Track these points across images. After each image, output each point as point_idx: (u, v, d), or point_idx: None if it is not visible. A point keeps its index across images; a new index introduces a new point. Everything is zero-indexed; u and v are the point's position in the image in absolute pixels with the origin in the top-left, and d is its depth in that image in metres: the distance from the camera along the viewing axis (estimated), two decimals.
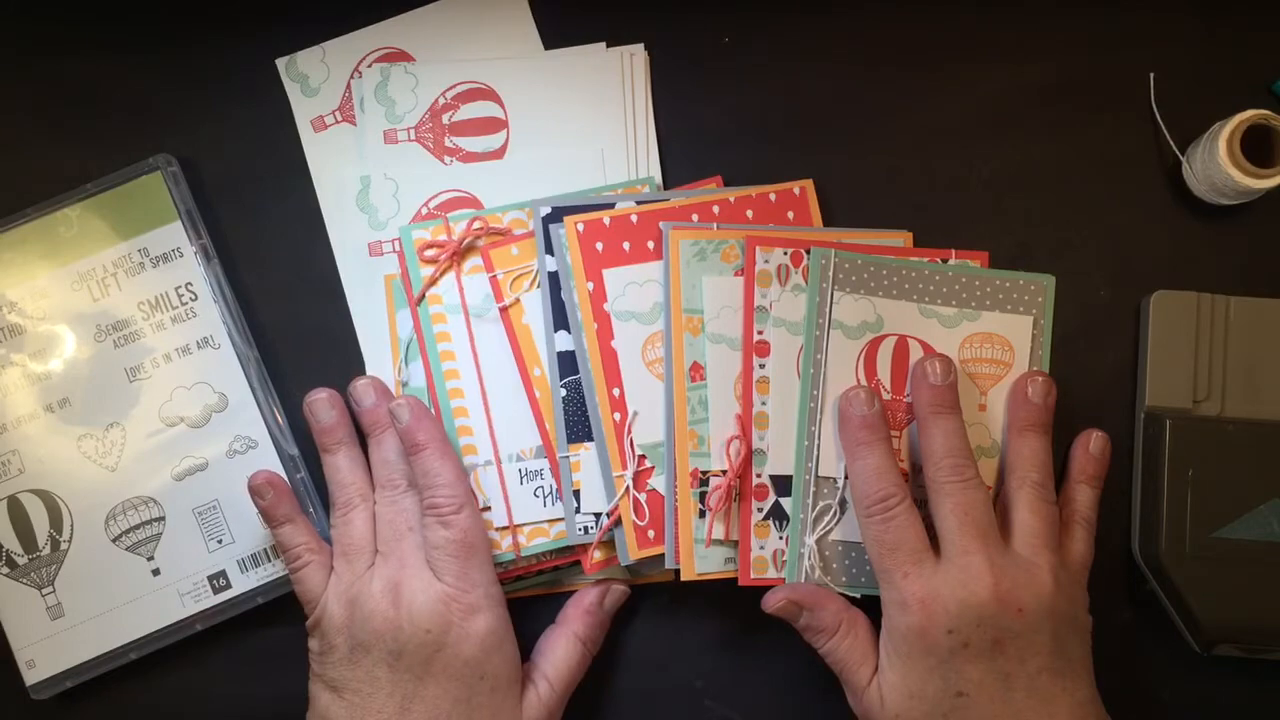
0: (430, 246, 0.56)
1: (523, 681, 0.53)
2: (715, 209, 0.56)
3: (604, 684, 0.57)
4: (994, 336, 0.55)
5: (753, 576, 0.53)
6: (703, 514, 0.53)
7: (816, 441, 0.54)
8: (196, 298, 0.57)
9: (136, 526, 0.56)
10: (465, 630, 0.50)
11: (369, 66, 0.60)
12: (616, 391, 0.54)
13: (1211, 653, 0.54)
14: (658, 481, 0.54)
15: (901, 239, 0.57)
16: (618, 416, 0.54)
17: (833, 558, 0.53)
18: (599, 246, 0.55)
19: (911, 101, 0.60)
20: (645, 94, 0.59)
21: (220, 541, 0.56)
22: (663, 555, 0.53)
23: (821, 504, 0.53)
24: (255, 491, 0.54)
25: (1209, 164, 0.56)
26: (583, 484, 0.54)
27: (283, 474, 0.56)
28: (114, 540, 0.56)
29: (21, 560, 0.56)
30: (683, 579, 0.53)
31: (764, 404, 0.54)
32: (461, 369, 0.56)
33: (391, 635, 0.50)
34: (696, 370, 0.54)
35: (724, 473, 0.53)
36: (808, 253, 0.55)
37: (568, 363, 0.55)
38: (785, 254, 0.55)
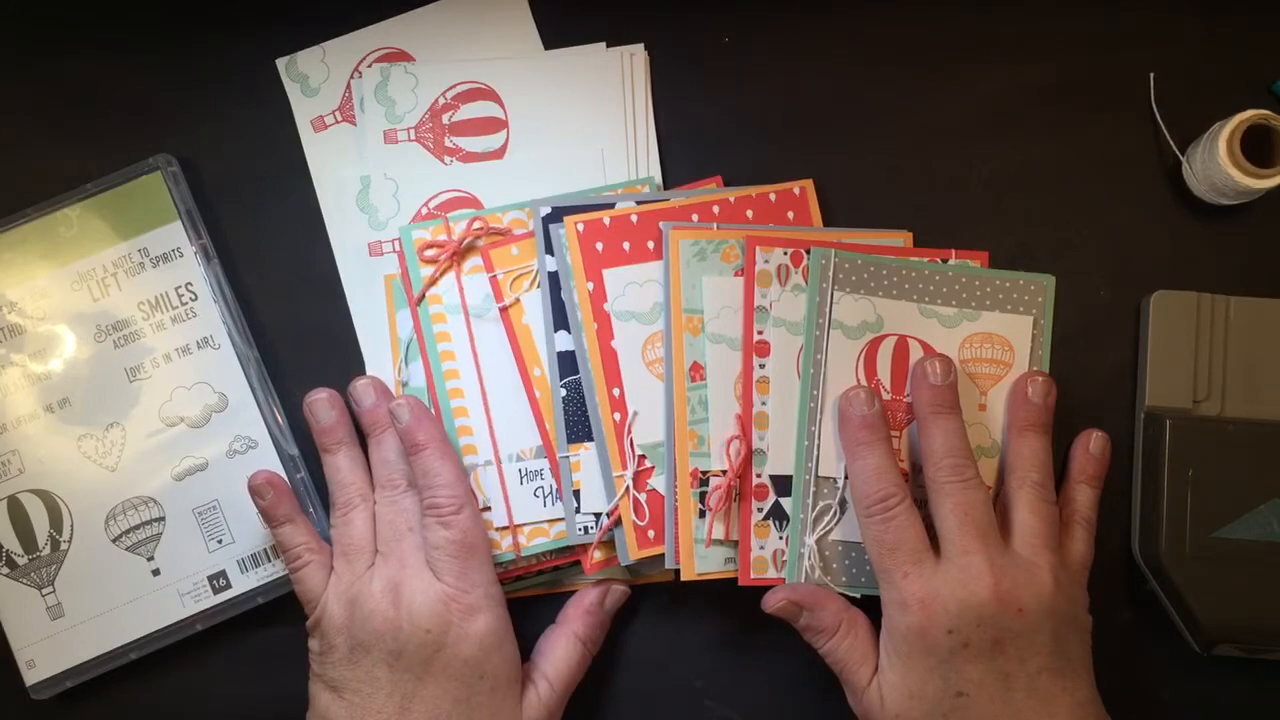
0: (430, 246, 0.56)
1: (523, 681, 0.53)
2: (715, 209, 0.56)
3: (604, 684, 0.57)
4: (994, 336, 0.55)
5: (753, 576, 0.53)
6: (703, 514, 0.53)
7: (816, 441, 0.54)
8: (196, 298, 0.57)
9: (136, 526, 0.56)
10: (465, 630, 0.50)
11: (369, 66, 0.60)
12: (616, 391, 0.54)
13: (1211, 653, 0.54)
14: (658, 481, 0.54)
15: (901, 239, 0.57)
16: (618, 416, 0.54)
17: (833, 558, 0.53)
18: (599, 246, 0.55)
19: (911, 101, 0.60)
20: (645, 94, 0.59)
21: (220, 541, 0.56)
22: (663, 555, 0.53)
23: (821, 504, 0.53)
24: (255, 491, 0.54)
25: (1209, 164, 0.56)
26: (583, 484, 0.54)
27: (283, 474, 0.56)
28: (114, 540, 0.56)
29: (21, 560, 0.56)
30: (683, 579, 0.53)
31: (764, 404, 0.54)
32: (461, 369, 0.56)
33: (391, 635, 0.50)
34: (696, 370, 0.54)
35: (724, 473, 0.53)
36: (808, 253, 0.55)
37: (568, 363, 0.55)
38: (785, 254, 0.55)
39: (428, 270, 0.56)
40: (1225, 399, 0.56)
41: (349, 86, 0.60)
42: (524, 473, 0.56)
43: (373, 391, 0.55)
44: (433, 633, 0.50)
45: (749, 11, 0.60)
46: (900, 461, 0.54)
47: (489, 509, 0.55)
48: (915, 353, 0.55)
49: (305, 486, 0.56)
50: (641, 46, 0.60)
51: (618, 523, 0.54)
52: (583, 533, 0.54)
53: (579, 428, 0.55)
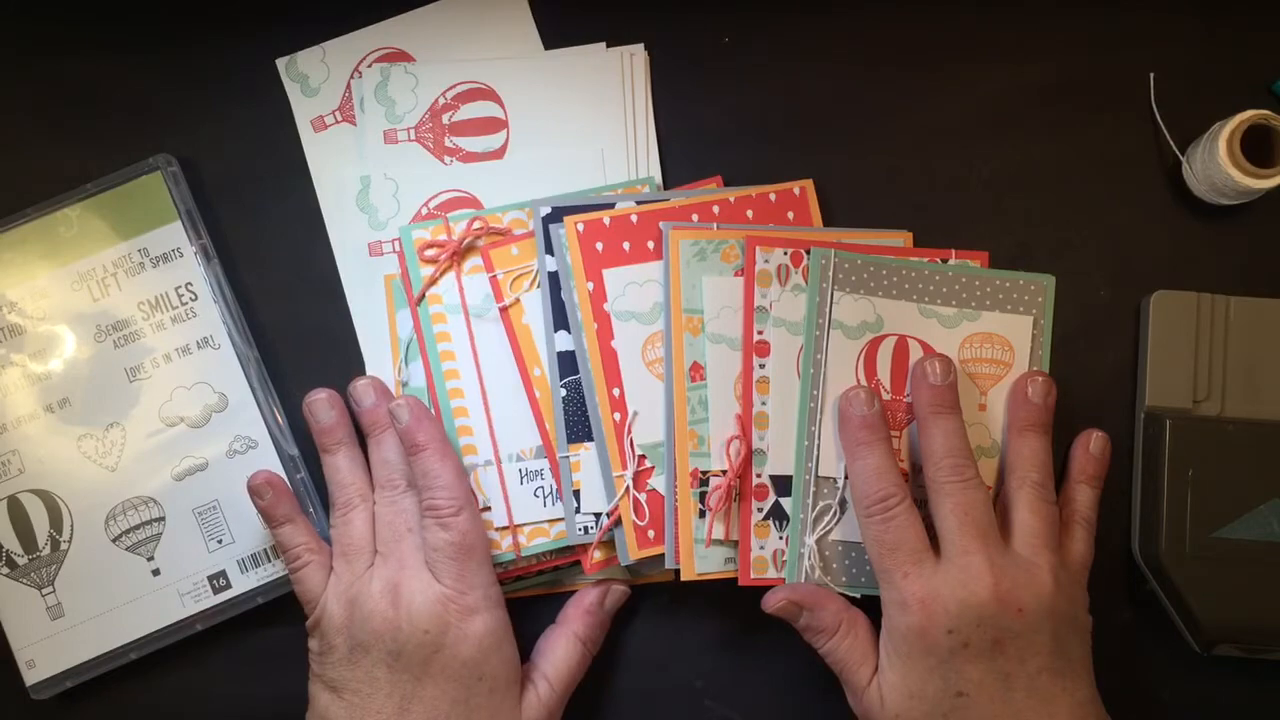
0: (430, 246, 0.56)
1: (522, 682, 0.53)
2: (715, 209, 0.56)
3: (604, 684, 0.57)
4: (994, 336, 0.55)
5: (753, 576, 0.53)
6: (703, 514, 0.53)
7: (816, 441, 0.54)
8: (196, 298, 0.57)
9: (136, 526, 0.56)
10: (463, 631, 0.50)
11: (369, 66, 0.60)
12: (616, 391, 0.54)
13: (1211, 653, 0.54)
14: (658, 481, 0.54)
15: (901, 239, 0.57)
16: (618, 416, 0.54)
17: (833, 558, 0.53)
18: (599, 246, 0.55)
19: (911, 101, 0.60)
20: (645, 94, 0.59)
21: (220, 541, 0.56)
22: (663, 555, 0.53)
23: (821, 504, 0.53)
24: (254, 491, 0.54)
25: (1209, 164, 0.56)
26: (583, 484, 0.54)
27: (283, 474, 0.56)
28: (114, 540, 0.56)
29: (21, 560, 0.56)
30: (683, 579, 0.53)
31: (764, 404, 0.54)
32: (461, 369, 0.56)
33: (390, 635, 0.50)
34: (696, 370, 0.54)
35: (724, 473, 0.53)
36: (808, 253, 0.55)
37: (568, 363, 0.55)
38: (785, 254, 0.55)
39: (428, 270, 0.56)
40: (1225, 399, 0.56)
41: (349, 86, 0.60)
42: (524, 473, 0.55)
43: (372, 391, 0.55)
44: (431, 633, 0.50)
45: (749, 11, 0.60)
46: (900, 461, 0.54)
47: (489, 509, 0.55)
48: (915, 353, 0.55)
49: (305, 486, 0.56)
50: (641, 46, 0.60)
51: (618, 523, 0.54)
52: (583, 533, 0.54)
53: (579, 428, 0.55)
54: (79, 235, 0.57)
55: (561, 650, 0.54)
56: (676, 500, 0.53)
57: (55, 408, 0.56)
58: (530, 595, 0.57)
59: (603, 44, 0.60)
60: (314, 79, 0.60)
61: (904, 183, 0.59)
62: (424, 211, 0.59)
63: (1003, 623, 0.48)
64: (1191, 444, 0.54)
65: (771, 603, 0.52)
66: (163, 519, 0.56)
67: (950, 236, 0.58)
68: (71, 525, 0.56)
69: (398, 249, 0.58)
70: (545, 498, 0.55)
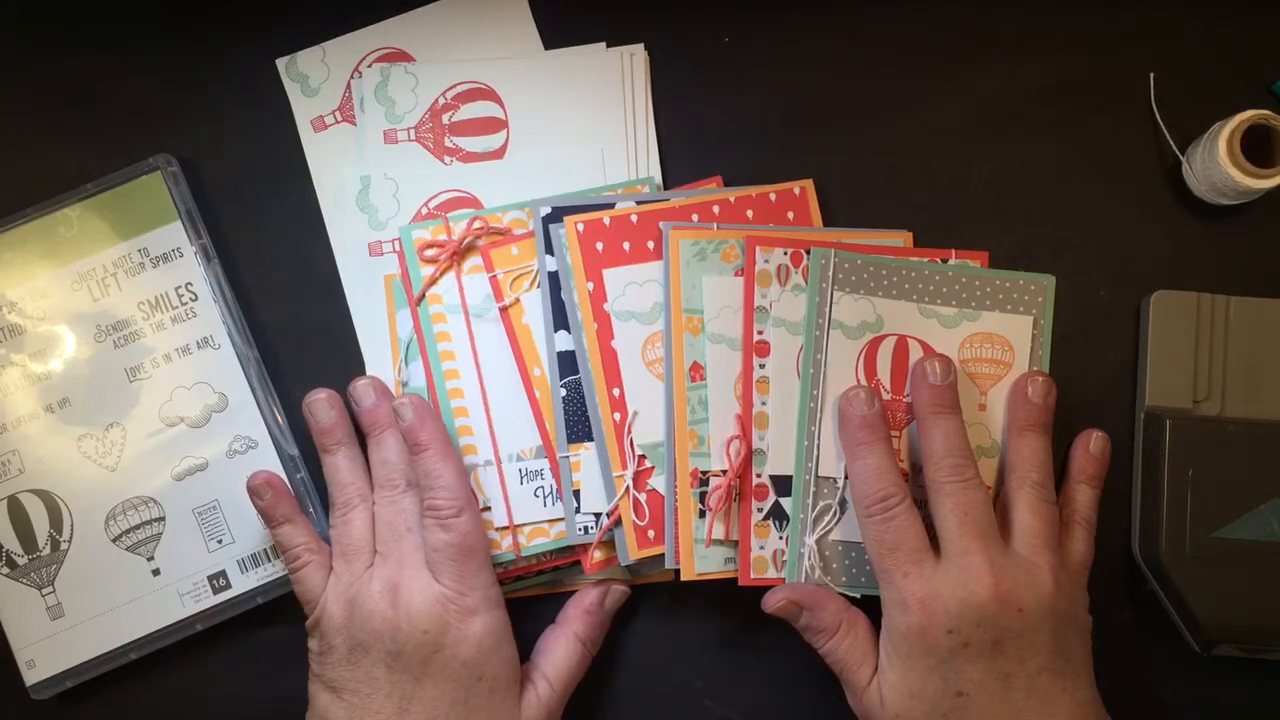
0: (430, 246, 0.56)
1: (522, 682, 0.53)
2: (715, 209, 0.56)
3: (604, 684, 0.57)
4: (994, 336, 0.55)
5: (753, 576, 0.53)
6: (703, 514, 0.53)
7: (816, 441, 0.54)
8: (196, 298, 0.57)
9: (136, 526, 0.56)
10: (463, 632, 0.50)
11: (369, 66, 0.60)
12: (616, 391, 0.54)
13: (1211, 653, 0.54)
14: (658, 481, 0.54)
15: (901, 239, 0.57)
16: (618, 416, 0.54)
17: (833, 558, 0.53)
18: (599, 246, 0.55)
19: (911, 101, 0.60)
20: (645, 94, 0.59)
21: (220, 541, 0.56)
22: (663, 555, 0.53)
23: (821, 504, 0.53)
24: (254, 492, 0.54)
25: (1209, 164, 0.56)
26: (583, 484, 0.54)
27: (283, 474, 0.56)
28: (114, 540, 0.56)
29: (21, 560, 0.56)
30: (683, 579, 0.53)
31: (764, 404, 0.54)
32: (461, 369, 0.56)
33: (390, 636, 0.50)
34: (696, 370, 0.54)
35: (724, 473, 0.53)
36: (808, 253, 0.55)
37: (568, 363, 0.55)
38: (785, 254, 0.55)
39: (428, 270, 0.56)
40: (1225, 399, 0.56)
41: (349, 86, 0.60)
42: (524, 473, 0.55)
43: (372, 391, 0.55)
44: (430, 634, 0.50)
45: (749, 11, 0.60)
46: (900, 461, 0.54)
47: (489, 509, 0.55)
48: (915, 353, 0.55)
49: (305, 486, 0.56)
50: (641, 46, 0.60)
51: (618, 523, 0.54)
52: (583, 533, 0.54)
53: (579, 428, 0.55)
54: (79, 235, 0.57)
55: (561, 650, 0.54)
56: (676, 500, 0.53)
57: (55, 408, 0.56)
58: (530, 595, 0.57)
59: (603, 44, 0.60)
60: (314, 79, 0.60)
61: (904, 183, 0.59)
62: (424, 211, 0.59)
63: (1003, 623, 0.48)
64: (1191, 444, 0.54)
65: (771, 603, 0.52)
66: (163, 519, 0.56)
67: (950, 236, 0.58)
68: (71, 525, 0.56)
69: (398, 249, 0.58)
70: (545, 498, 0.55)
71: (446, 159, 0.59)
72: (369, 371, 0.58)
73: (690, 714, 0.57)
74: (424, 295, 0.56)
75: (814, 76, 0.60)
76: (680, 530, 0.53)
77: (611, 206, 0.56)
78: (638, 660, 0.58)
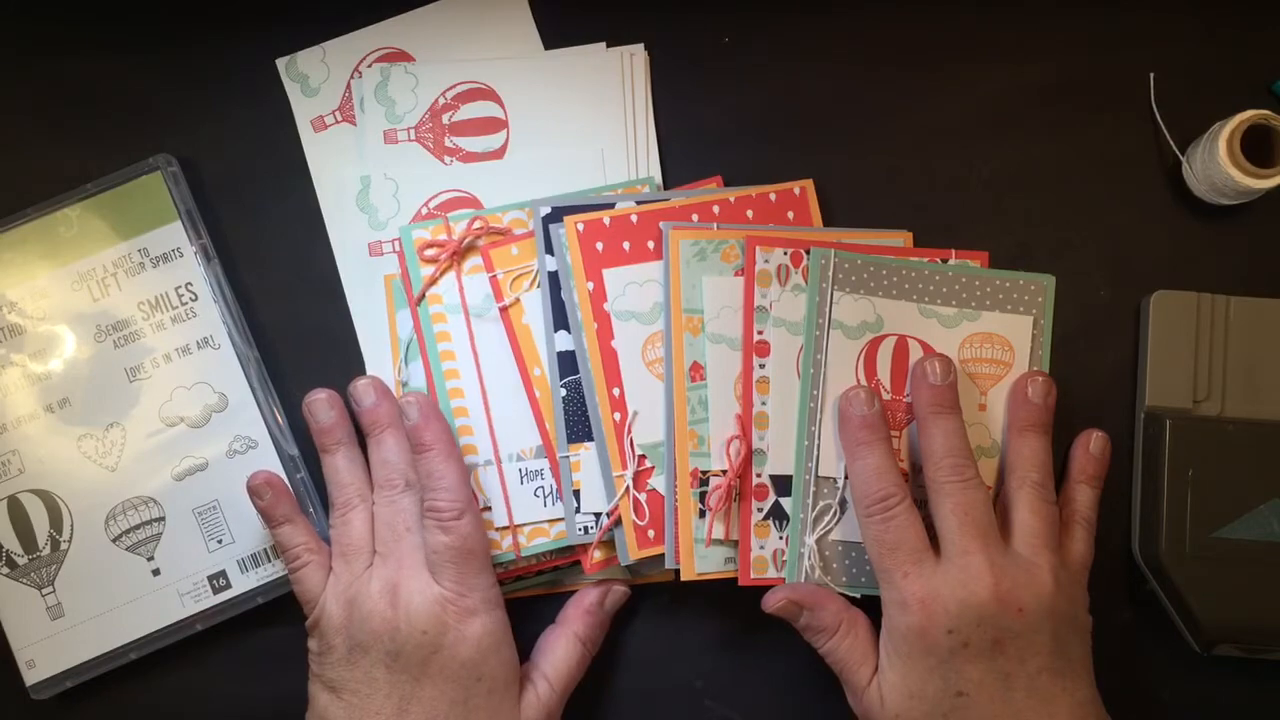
0: (430, 246, 0.56)
1: (522, 682, 0.53)
2: (715, 209, 0.56)
3: (604, 684, 0.57)
4: (994, 336, 0.55)
5: (753, 576, 0.53)
6: (703, 514, 0.53)
7: (816, 441, 0.54)
8: (196, 298, 0.57)
9: (136, 526, 0.56)
10: (462, 633, 0.50)
11: (369, 66, 0.60)
12: (616, 391, 0.54)
13: (1211, 653, 0.54)
14: (658, 481, 0.54)
15: (901, 239, 0.57)
16: (618, 416, 0.54)
17: (833, 558, 0.53)
18: (599, 246, 0.55)
19: (911, 101, 0.60)
20: (645, 94, 0.59)
21: (220, 541, 0.56)
22: (663, 555, 0.53)
23: (821, 504, 0.53)
24: (254, 492, 0.54)
25: (1209, 164, 0.56)
26: (583, 484, 0.54)
27: (283, 474, 0.56)
28: (114, 540, 0.56)
29: (21, 560, 0.56)
30: (683, 579, 0.53)
31: (764, 404, 0.54)
32: (461, 369, 0.56)
33: (389, 636, 0.50)
34: (696, 370, 0.54)
35: (724, 473, 0.53)
36: (808, 253, 0.55)
37: (568, 363, 0.55)
38: (785, 254, 0.55)
39: (428, 270, 0.56)
40: (1225, 399, 0.56)
41: (349, 86, 0.60)
42: (524, 473, 0.56)
43: (373, 391, 0.55)
44: (430, 634, 0.49)
45: (749, 11, 0.60)
46: (900, 461, 0.54)
47: (489, 509, 0.55)
48: (915, 353, 0.55)
49: (305, 486, 0.56)
50: (641, 46, 0.60)
51: (618, 523, 0.54)
52: (583, 533, 0.54)
53: (579, 428, 0.55)
54: (79, 235, 0.57)
55: (561, 650, 0.54)
56: (676, 500, 0.53)
57: (55, 408, 0.56)
58: (530, 595, 0.57)
59: (603, 44, 0.60)
60: (314, 79, 0.60)
61: (904, 183, 0.59)
62: (424, 211, 0.59)
63: (1003, 623, 0.48)
64: (1191, 444, 0.54)
65: (771, 602, 0.52)
66: (163, 519, 0.56)
67: (950, 236, 0.58)
68: (71, 525, 0.56)
69: (398, 249, 0.58)
70: (545, 498, 0.55)
71: (446, 159, 0.59)
72: (369, 371, 0.58)
73: (690, 714, 0.57)
74: (424, 295, 0.56)
75: (814, 76, 0.60)
76: (680, 530, 0.53)
77: (611, 206, 0.56)
78: (638, 660, 0.58)
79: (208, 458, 0.56)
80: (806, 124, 0.60)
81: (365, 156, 0.59)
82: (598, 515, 0.54)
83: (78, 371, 0.57)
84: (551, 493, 0.55)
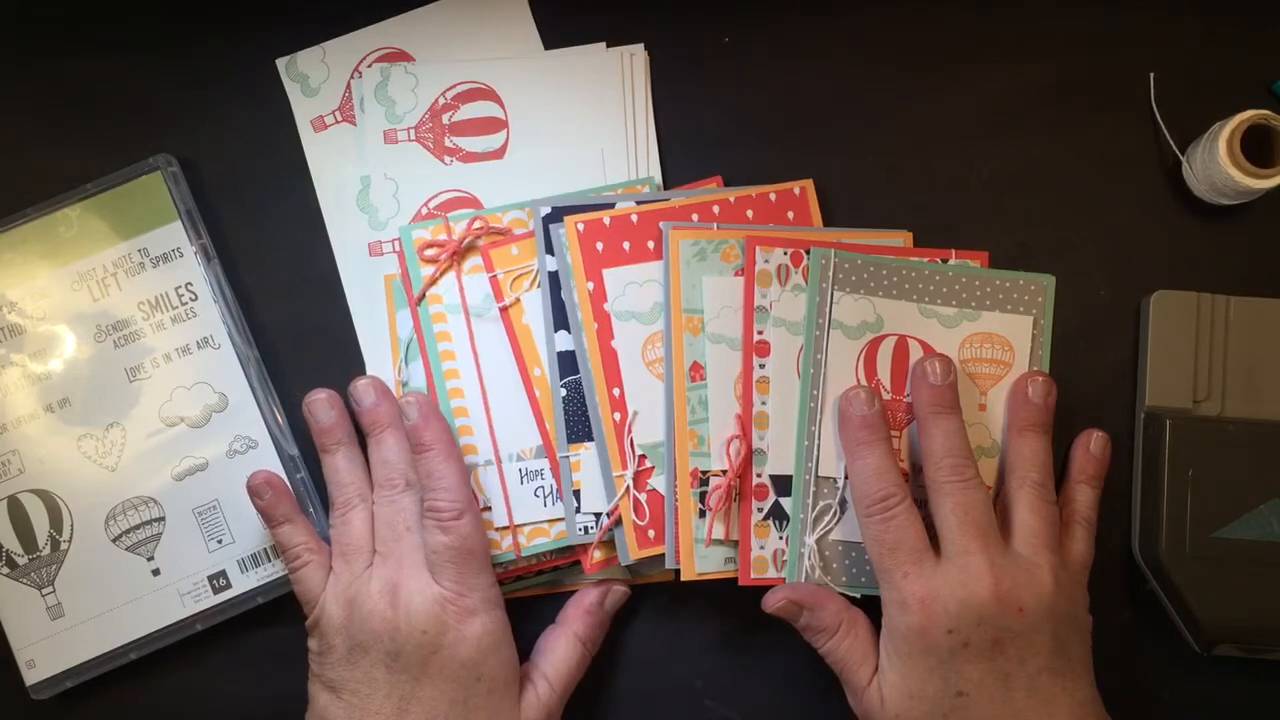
0: (430, 246, 0.56)
1: (522, 682, 0.53)
2: (715, 209, 0.56)
3: (604, 684, 0.57)
4: (994, 336, 0.55)
5: (753, 576, 0.53)
6: (703, 514, 0.53)
7: (816, 441, 0.54)
8: (196, 298, 0.57)
9: (136, 526, 0.56)
10: (462, 633, 0.50)
11: (369, 66, 0.60)
12: (616, 391, 0.54)
13: (1211, 653, 0.54)
14: (658, 481, 0.54)
15: (901, 239, 0.57)
16: (618, 416, 0.54)
17: (833, 558, 0.53)
18: (599, 246, 0.55)
19: (911, 101, 0.60)
20: (645, 94, 0.59)
21: (220, 541, 0.56)
22: (663, 555, 0.53)
23: (821, 504, 0.53)
24: (254, 491, 0.54)
25: (1209, 164, 0.56)
26: (583, 484, 0.54)
27: (283, 474, 0.56)
28: (114, 540, 0.56)
29: (21, 560, 0.56)
30: (683, 579, 0.53)
31: (764, 404, 0.54)
32: (461, 369, 0.56)
33: (389, 636, 0.50)
34: (696, 370, 0.54)
35: (724, 473, 0.53)
36: (808, 253, 0.55)
37: (568, 363, 0.55)
38: (785, 254, 0.55)
39: (428, 270, 0.56)
40: (1225, 399, 0.56)
41: (349, 86, 0.60)
42: (524, 472, 0.56)
43: (373, 391, 0.55)
44: (430, 634, 0.49)
45: (749, 11, 0.60)
46: (900, 461, 0.54)
47: (489, 509, 0.55)
48: (915, 353, 0.55)
49: (305, 486, 0.56)
50: (641, 46, 0.60)
51: (618, 523, 0.54)
52: (583, 533, 0.54)
53: (579, 428, 0.55)
54: (79, 235, 0.57)
55: (561, 650, 0.54)
56: (676, 500, 0.53)
57: (55, 408, 0.56)
58: (530, 595, 0.57)
59: (603, 44, 0.60)
60: (314, 79, 0.60)
61: (904, 183, 0.59)
62: (424, 211, 0.59)
63: (1003, 623, 0.48)
64: (1191, 444, 0.54)
65: (771, 602, 0.52)
66: (163, 519, 0.56)
67: (950, 236, 0.58)
68: (71, 525, 0.56)
69: (398, 249, 0.58)
70: (545, 498, 0.55)
71: (446, 159, 0.59)
72: (369, 371, 0.58)
73: (690, 714, 0.57)
74: (424, 295, 0.56)
75: (814, 76, 0.60)
76: (680, 530, 0.53)
77: (611, 206, 0.56)
78: (638, 660, 0.58)
79: (208, 458, 0.56)
80: (806, 124, 0.60)
81: (365, 156, 0.59)
82: (598, 515, 0.54)
83: (78, 371, 0.57)
84: (551, 493, 0.55)
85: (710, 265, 0.55)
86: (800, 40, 0.60)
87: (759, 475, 0.53)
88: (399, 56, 0.60)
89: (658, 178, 0.59)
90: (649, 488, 0.54)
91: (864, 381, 0.54)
